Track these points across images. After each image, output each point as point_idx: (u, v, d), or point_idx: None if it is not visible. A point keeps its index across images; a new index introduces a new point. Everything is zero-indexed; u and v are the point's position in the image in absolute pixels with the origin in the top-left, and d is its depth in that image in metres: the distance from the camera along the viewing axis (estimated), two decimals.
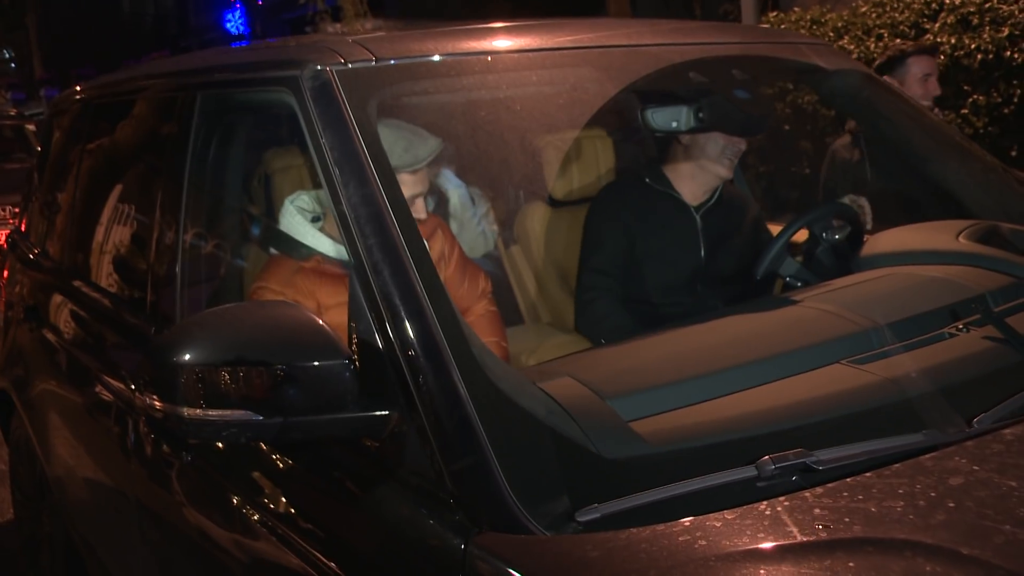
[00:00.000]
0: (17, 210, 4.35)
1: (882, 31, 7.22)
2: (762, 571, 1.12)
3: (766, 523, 1.19)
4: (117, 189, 2.84)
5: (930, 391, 1.51)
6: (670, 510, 1.23)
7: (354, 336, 1.52)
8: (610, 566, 1.15)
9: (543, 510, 1.26)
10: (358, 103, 1.69)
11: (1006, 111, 6.45)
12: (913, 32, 6.95)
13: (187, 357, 1.43)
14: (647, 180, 2.66)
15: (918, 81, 3.81)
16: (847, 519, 1.18)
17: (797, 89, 7.25)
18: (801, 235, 2.47)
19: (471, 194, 2.80)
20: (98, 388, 2.47)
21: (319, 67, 1.74)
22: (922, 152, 2.53)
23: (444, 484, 1.33)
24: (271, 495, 1.72)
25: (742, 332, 1.80)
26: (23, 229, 3.80)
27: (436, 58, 1.88)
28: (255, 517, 1.70)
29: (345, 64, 1.75)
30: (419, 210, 2.24)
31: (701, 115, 2.28)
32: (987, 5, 6.53)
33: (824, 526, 1.17)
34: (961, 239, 2.10)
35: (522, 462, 1.32)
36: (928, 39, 6.44)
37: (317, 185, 2.24)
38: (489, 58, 1.95)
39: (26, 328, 3.23)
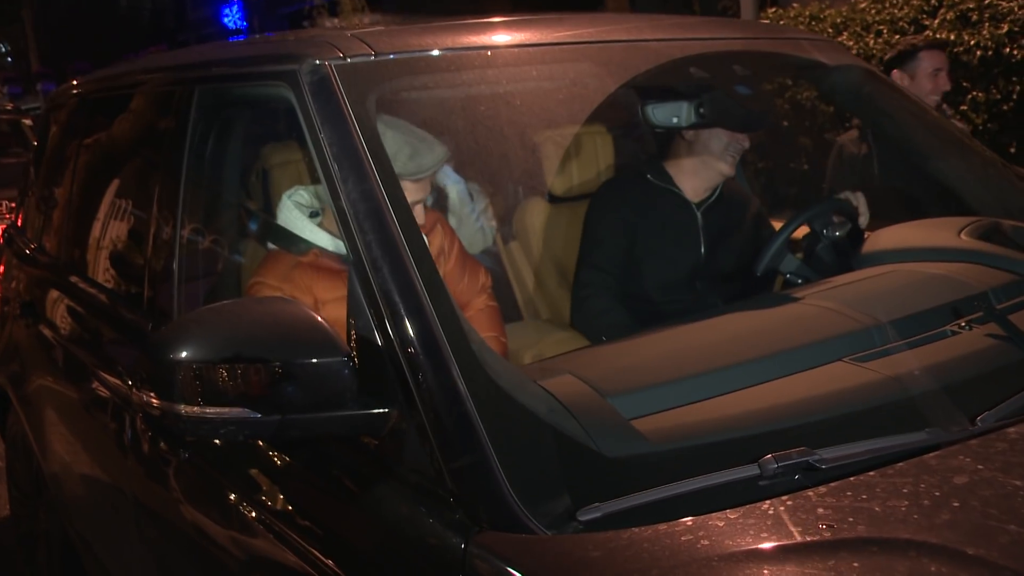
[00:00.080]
0: (13, 205, 4.34)
1: (881, 27, 7.21)
2: (765, 571, 1.11)
3: (769, 523, 1.18)
4: (114, 184, 2.83)
5: (933, 389, 1.50)
6: (672, 509, 1.22)
7: (353, 333, 1.51)
8: (612, 566, 1.14)
9: (544, 509, 1.25)
10: (357, 98, 1.68)
11: (1005, 108, 6.45)
12: (912, 28, 6.95)
13: (184, 354, 1.42)
14: (648, 176, 2.64)
15: (928, 76, 3.80)
16: (851, 519, 1.17)
17: (796, 85, 7.25)
18: (802, 231, 2.46)
19: (470, 190, 2.79)
20: (95, 384, 2.46)
21: (317, 62, 1.73)
22: (923, 149, 2.52)
23: (444, 482, 1.32)
24: (269, 492, 1.71)
25: (744, 329, 1.79)
26: (19, 224, 3.78)
27: (435, 53, 1.87)
28: (252, 515, 1.69)
29: (344, 59, 1.74)
30: (419, 215, 2.23)
31: (702, 111, 2.27)
32: (986, 1, 6.53)
33: (828, 526, 1.16)
34: (963, 236, 2.09)
35: (522, 460, 1.31)
36: (927, 35, 6.43)
37: (315, 181, 2.23)
38: (488, 53, 1.94)
39: (22, 324, 3.21)
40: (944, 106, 4.10)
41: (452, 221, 2.67)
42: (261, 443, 1.70)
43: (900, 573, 1.08)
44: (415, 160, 2.10)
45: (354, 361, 1.44)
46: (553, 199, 2.88)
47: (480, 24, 2.06)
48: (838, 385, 1.53)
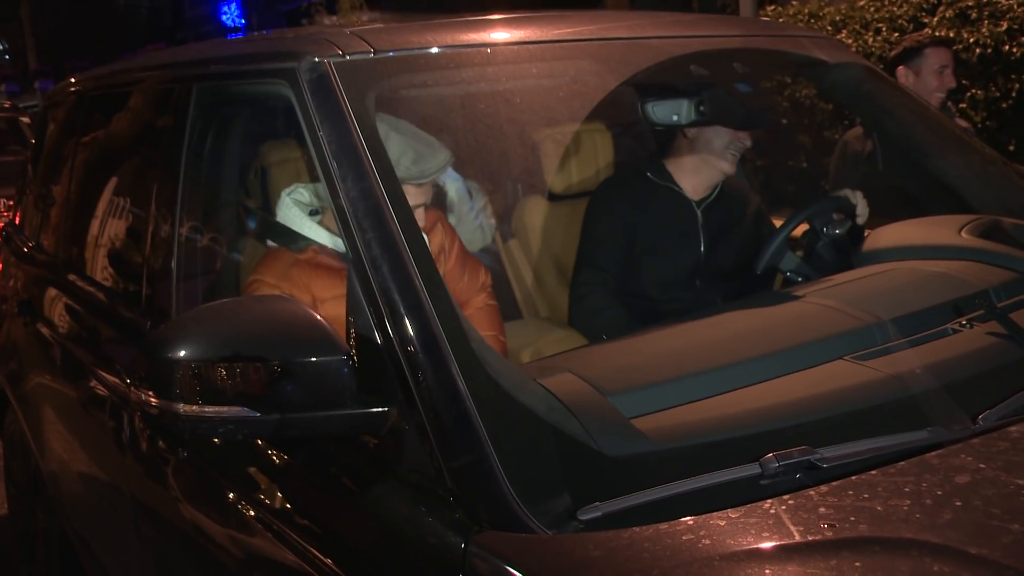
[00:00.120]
0: (11, 203, 4.33)
1: (880, 25, 7.21)
2: (767, 571, 1.10)
3: (770, 522, 1.18)
4: (112, 182, 2.82)
5: (934, 388, 1.50)
6: (673, 508, 1.22)
7: (352, 331, 1.50)
8: (612, 566, 1.14)
9: (544, 508, 1.24)
10: (356, 95, 1.67)
11: (1004, 105, 6.45)
12: (911, 26, 6.94)
13: (183, 353, 1.41)
14: (648, 174, 2.64)
15: (934, 72, 3.79)
16: (853, 518, 1.17)
17: (795, 83, 7.24)
18: (801, 229, 2.46)
19: (469, 188, 2.78)
20: (93, 383, 2.45)
21: (316, 59, 1.72)
22: (923, 147, 2.52)
23: (443, 481, 1.32)
24: (268, 491, 1.70)
25: (744, 328, 1.78)
26: (17, 222, 3.78)
27: (435, 50, 1.86)
28: (251, 514, 1.69)
29: (343, 56, 1.73)
30: (420, 218, 2.22)
31: (702, 108, 2.26)
32: None
33: (829, 525, 1.16)
34: (963, 234, 2.08)
35: (523, 459, 1.31)
36: (927, 33, 6.43)
37: (314, 178, 2.23)
38: (488, 50, 1.93)
39: (20, 322, 3.21)
40: (949, 104, 4.09)
41: (451, 219, 2.66)
42: (260, 442, 1.70)
43: (903, 573, 1.07)
44: (419, 164, 2.09)
45: (353, 360, 1.44)
46: (552, 197, 2.88)
47: (479, 21, 2.05)
48: (839, 383, 1.53)
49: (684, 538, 1.16)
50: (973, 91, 6.49)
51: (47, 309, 3.02)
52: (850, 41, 7.20)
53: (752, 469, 1.28)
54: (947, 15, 6.70)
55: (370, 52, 1.77)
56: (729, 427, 1.41)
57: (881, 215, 2.41)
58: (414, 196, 2.13)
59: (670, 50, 2.12)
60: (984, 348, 1.63)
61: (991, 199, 2.34)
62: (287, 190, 2.23)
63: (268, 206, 2.36)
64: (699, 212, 2.62)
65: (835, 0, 8.03)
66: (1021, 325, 1.66)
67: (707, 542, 1.15)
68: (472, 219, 2.78)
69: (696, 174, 2.61)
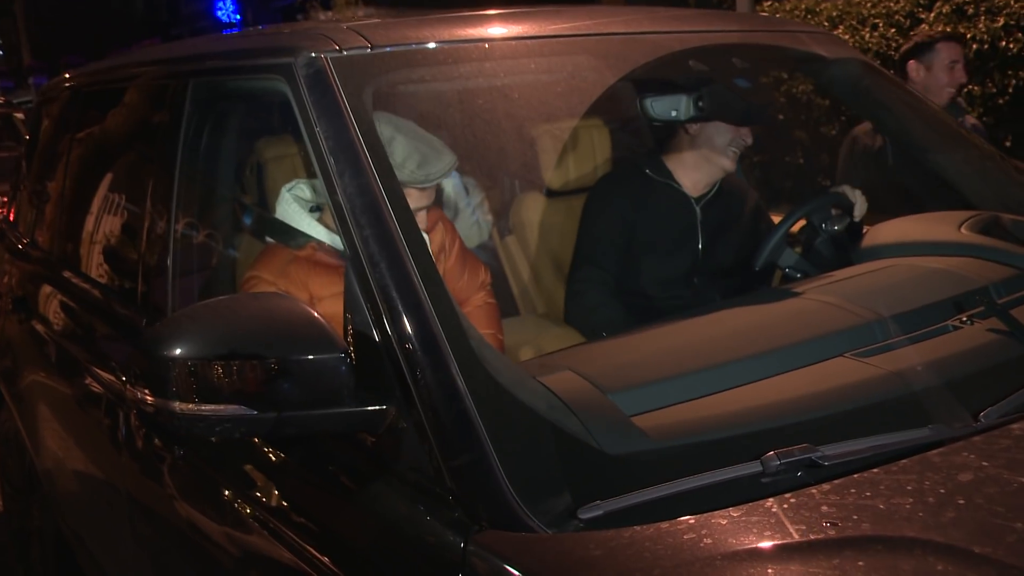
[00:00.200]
0: (5, 199, 4.31)
1: (877, 20, 7.20)
2: (769, 570, 1.09)
3: (772, 521, 1.17)
4: (107, 178, 2.80)
5: (935, 385, 1.49)
6: (674, 507, 1.21)
7: (350, 329, 1.49)
8: (613, 565, 1.13)
9: (544, 507, 1.23)
10: (353, 91, 1.66)
11: (1001, 101, 6.44)
12: (908, 22, 6.94)
13: (179, 350, 1.40)
14: (647, 171, 2.62)
15: (945, 68, 3.78)
16: (855, 516, 1.16)
17: (792, 78, 7.23)
18: (799, 225, 2.45)
19: (466, 184, 2.77)
20: (88, 380, 2.44)
21: (313, 54, 1.71)
22: (921, 142, 2.51)
23: (443, 480, 1.31)
24: (265, 490, 1.69)
25: (745, 325, 1.77)
26: (11, 219, 3.76)
27: (432, 45, 1.85)
28: (248, 512, 1.68)
29: (340, 51, 1.72)
30: (422, 220, 2.21)
31: (701, 104, 2.25)
32: None
33: (831, 523, 1.15)
34: (963, 230, 2.08)
35: (522, 458, 1.30)
36: (924, 28, 6.42)
37: (311, 174, 2.21)
38: (486, 46, 1.92)
39: (15, 319, 3.19)
40: (959, 100, 4.07)
41: (448, 215, 2.65)
42: (257, 440, 1.69)
43: (906, 572, 1.06)
44: (424, 168, 2.08)
45: (351, 357, 1.43)
46: (550, 193, 2.87)
47: (477, 16, 2.04)
48: (840, 381, 1.52)
49: (685, 537, 1.15)
50: (970, 87, 6.48)
51: (42, 306, 3.01)
52: (847, 37, 7.19)
53: (753, 467, 1.27)
54: (944, 10, 6.69)
55: (367, 47, 1.75)
56: (730, 425, 1.40)
57: (893, 211, 2.38)
58: (417, 199, 2.12)
59: (668, 45, 2.11)
60: (985, 345, 1.62)
61: (990, 195, 2.33)
62: (287, 186, 2.21)
63: (264, 202, 2.34)
64: (698, 209, 2.61)
65: None
66: (1022, 321, 1.65)
67: (708, 541, 1.14)
68: (469, 215, 2.77)
69: (696, 170, 2.60)
